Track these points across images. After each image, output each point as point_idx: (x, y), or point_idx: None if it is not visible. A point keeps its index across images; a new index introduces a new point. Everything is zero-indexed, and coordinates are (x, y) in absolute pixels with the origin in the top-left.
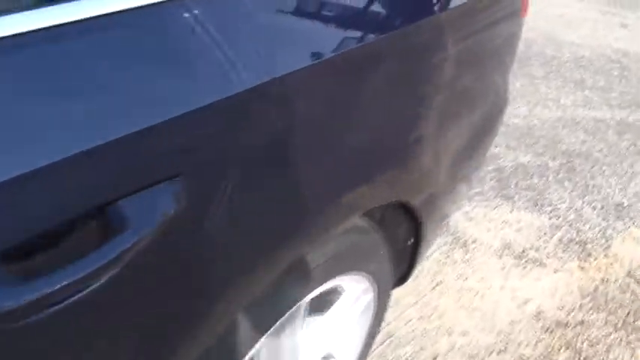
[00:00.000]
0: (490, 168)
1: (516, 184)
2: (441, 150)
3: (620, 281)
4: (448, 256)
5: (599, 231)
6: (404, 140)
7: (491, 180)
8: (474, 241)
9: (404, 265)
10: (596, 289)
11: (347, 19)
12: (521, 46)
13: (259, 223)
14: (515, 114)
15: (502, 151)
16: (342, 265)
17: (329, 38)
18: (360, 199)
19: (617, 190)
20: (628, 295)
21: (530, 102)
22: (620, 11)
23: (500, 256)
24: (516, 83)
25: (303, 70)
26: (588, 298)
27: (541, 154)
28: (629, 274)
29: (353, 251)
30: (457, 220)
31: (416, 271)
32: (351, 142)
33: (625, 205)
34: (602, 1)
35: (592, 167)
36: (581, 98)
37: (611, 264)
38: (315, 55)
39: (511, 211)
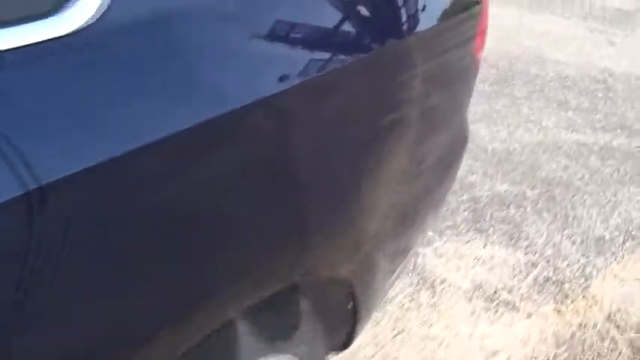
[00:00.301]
0: (464, 198)
1: (491, 216)
2: (383, 203)
3: (599, 326)
4: (413, 299)
5: (578, 269)
6: (328, 200)
7: (464, 211)
8: (442, 282)
9: (344, 332)
10: (572, 335)
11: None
12: (504, 64)
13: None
14: (495, 138)
15: (478, 179)
16: (257, 349)
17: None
18: (273, 274)
19: (598, 222)
20: (607, 342)
21: (510, 124)
22: (608, 29)
23: (470, 299)
24: (497, 104)
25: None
26: (564, 347)
27: (519, 182)
28: (608, 318)
29: (272, 332)
30: (426, 257)
31: (377, 317)
32: (256, 207)
33: (606, 238)
34: (591, 17)
35: (573, 196)
36: (564, 120)
37: (590, 307)
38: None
39: (484, 247)
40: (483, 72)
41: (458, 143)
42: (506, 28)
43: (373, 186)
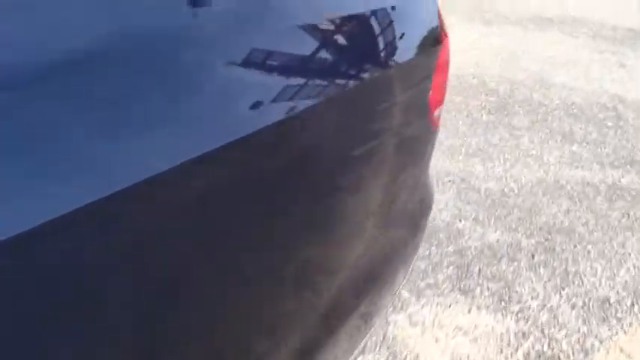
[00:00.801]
0: (450, 249)
1: (479, 272)
2: (350, 255)
3: None
4: None
5: (578, 340)
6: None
7: (449, 266)
8: (415, 358)
9: None
10: None
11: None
12: (505, 90)
13: None
14: (489, 175)
15: (468, 226)
16: None
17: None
18: None
19: (603, 280)
20: None
21: (507, 160)
22: (619, 49)
23: None
24: (495, 136)
25: None
26: None
27: (514, 229)
28: None
29: None
30: (398, 326)
31: None
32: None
33: (612, 301)
34: (600, 37)
35: (574, 247)
36: (568, 154)
37: None
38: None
39: (469, 311)
40: (481, 99)
41: (424, 201)
42: (508, 50)
43: (343, 232)
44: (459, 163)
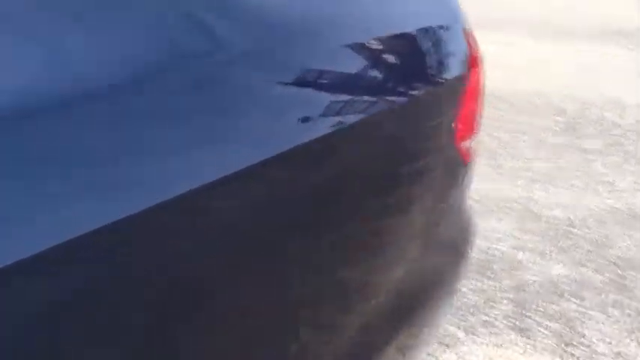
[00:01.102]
0: (507, 283)
1: (540, 311)
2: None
3: None
4: None
5: None
6: None
7: (505, 302)
8: None
9: None
10: None
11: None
12: (573, 109)
13: None
14: (554, 203)
15: (528, 257)
16: None
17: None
18: None
19: None
20: None
21: (575, 185)
22: None
23: None
24: (561, 159)
25: None
26: None
27: (581, 263)
28: None
29: None
30: None
31: None
32: None
33: None
34: None
35: None
36: None
37: None
38: None
39: (526, 353)
40: (547, 119)
41: (467, 229)
42: (576, 66)
43: (385, 253)
44: (518, 188)
